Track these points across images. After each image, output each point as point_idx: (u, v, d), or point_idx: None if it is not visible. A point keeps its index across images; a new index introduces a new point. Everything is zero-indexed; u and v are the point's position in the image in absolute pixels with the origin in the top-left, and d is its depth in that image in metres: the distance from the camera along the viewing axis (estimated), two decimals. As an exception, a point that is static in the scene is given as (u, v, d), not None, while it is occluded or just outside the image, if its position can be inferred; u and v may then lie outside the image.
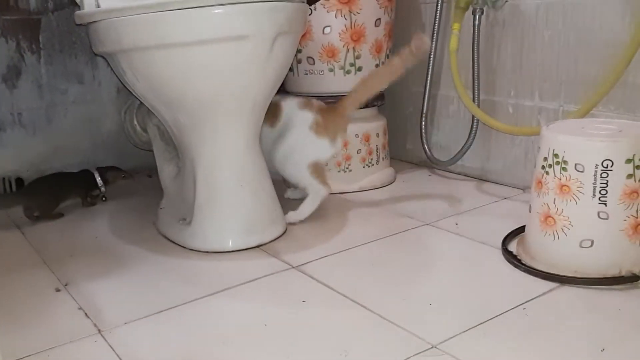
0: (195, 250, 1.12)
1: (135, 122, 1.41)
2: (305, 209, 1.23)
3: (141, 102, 1.26)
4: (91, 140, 1.59)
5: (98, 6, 1.12)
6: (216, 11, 0.97)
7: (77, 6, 1.18)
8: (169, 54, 1.00)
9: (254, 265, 1.06)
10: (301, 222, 1.23)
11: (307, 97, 1.26)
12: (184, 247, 1.14)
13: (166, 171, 1.30)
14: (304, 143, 1.21)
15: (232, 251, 1.11)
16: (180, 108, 1.07)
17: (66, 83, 1.53)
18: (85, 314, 0.91)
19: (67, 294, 0.97)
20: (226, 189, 1.12)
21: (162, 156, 1.31)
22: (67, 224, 1.31)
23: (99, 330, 0.85)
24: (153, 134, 1.33)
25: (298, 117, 1.21)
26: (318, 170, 1.22)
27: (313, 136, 1.20)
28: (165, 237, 1.20)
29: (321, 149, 1.21)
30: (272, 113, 1.21)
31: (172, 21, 0.98)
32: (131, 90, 1.16)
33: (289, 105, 1.23)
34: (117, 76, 1.20)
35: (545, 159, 0.96)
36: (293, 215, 1.23)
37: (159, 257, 1.11)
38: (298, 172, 1.22)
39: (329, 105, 1.23)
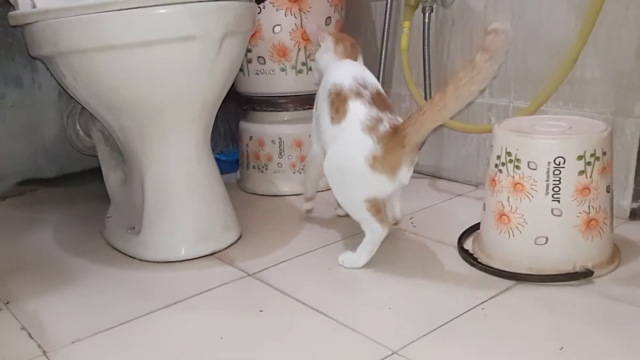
0: (146, 261, 1.08)
1: (78, 127, 1.35)
2: (363, 255, 1.01)
3: (83, 107, 1.21)
4: (32, 147, 1.51)
5: (34, 6, 1.06)
6: (161, 11, 0.93)
7: (12, 6, 1.12)
8: (111, 57, 0.95)
9: (209, 274, 1.02)
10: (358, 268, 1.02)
11: (379, 110, 0.95)
12: (134, 258, 1.09)
13: (112, 178, 1.25)
14: (357, 176, 0.95)
15: (185, 260, 1.07)
16: (125, 113, 1.03)
17: (3, 87, 1.45)
18: (29, 334, 0.85)
19: (9, 313, 0.92)
20: (176, 196, 1.08)
21: (108, 162, 1.26)
22: (7, 237, 1.24)
23: (44, 352, 0.81)
24: (97, 139, 1.28)
25: (357, 140, 0.94)
26: (376, 205, 0.97)
27: (368, 172, 0.93)
28: (114, 248, 1.15)
29: (378, 186, 0.95)
30: (336, 109, 0.98)
31: (114, 22, 0.93)
32: (72, 95, 1.10)
33: (354, 117, 0.95)
34: (56, 80, 1.14)
35: (499, 157, 0.97)
36: (348, 260, 1.02)
37: (108, 269, 1.06)
38: (351, 205, 1.00)
39: (394, 129, 0.94)
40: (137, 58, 0.95)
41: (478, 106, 1.37)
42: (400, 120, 0.95)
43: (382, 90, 0.99)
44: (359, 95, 0.95)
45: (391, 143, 0.92)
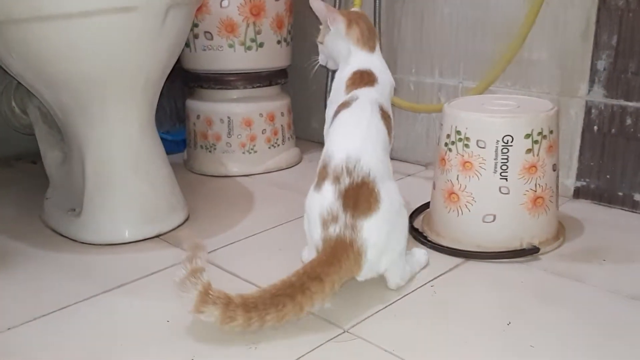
0: (88, 244, 1.04)
1: (14, 104, 1.28)
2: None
3: (19, 82, 1.14)
4: (-37, 125, 1.42)
5: (-40, -28, 0.99)
6: (100, -20, 0.89)
7: None
8: (47, 28, 0.90)
9: (154, 256, 0.99)
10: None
11: (343, 207, 0.81)
12: (75, 241, 1.05)
13: (50, 157, 1.19)
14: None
15: (129, 242, 1.04)
16: (63, 88, 0.97)
17: None
18: (-41, 322, 0.81)
19: (-63, 301, 0.86)
20: (119, 176, 1.04)
21: (46, 141, 1.20)
22: (-64, 220, 1.17)
23: (-24, 340, 0.76)
24: (34, 116, 1.21)
25: (314, 221, 0.83)
26: None
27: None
28: (53, 230, 1.09)
29: None
30: (318, 177, 0.86)
31: (50, -10, 0.87)
32: (6, 69, 1.04)
33: (320, 201, 0.83)
34: (-13, 52, 1.07)
35: (448, 136, 0.97)
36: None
37: (47, 252, 1.02)
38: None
39: (338, 245, 0.80)
40: (76, 29, 0.90)
41: (428, 86, 1.37)
42: (358, 232, 0.80)
43: (370, 179, 0.82)
44: (336, 180, 0.82)
45: (329, 256, 0.79)
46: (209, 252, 0.99)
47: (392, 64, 1.42)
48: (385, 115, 0.88)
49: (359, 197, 0.81)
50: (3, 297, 0.87)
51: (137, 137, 1.04)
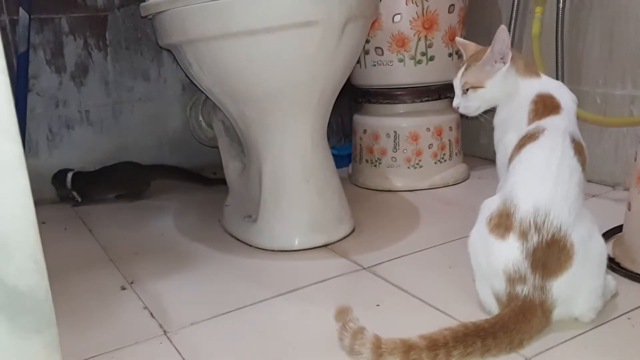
0: (261, 249, 1.08)
1: (201, 118, 1.39)
2: None
3: (206, 98, 1.23)
4: (157, 138, 1.58)
5: (162, -4, 1.10)
6: (283, -4, 0.93)
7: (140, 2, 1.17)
8: (235, 43, 0.96)
9: (323, 265, 1.00)
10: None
11: (531, 269, 0.72)
12: (250, 245, 1.10)
13: (231, 167, 1.27)
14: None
15: (299, 250, 1.06)
16: (247, 101, 1.03)
17: (132, 80, 1.53)
18: (151, 314, 0.88)
19: (133, 293, 0.95)
20: (292, 185, 1.07)
21: (228, 152, 1.28)
22: (132, 222, 1.30)
23: (165, 332, 0.82)
24: (218, 129, 1.30)
25: (495, 276, 0.76)
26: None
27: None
28: (231, 235, 1.16)
29: None
30: (498, 224, 0.76)
31: (238, 8, 0.93)
32: (197, 84, 1.13)
33: (504, 254, 0.74)
34: (182, 70, 1.17)
35: (649, 151, 0.86)
36: None
37: (225, 255, 1.08)
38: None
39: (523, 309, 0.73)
40: (260, 44, 0.95)
41: (618, 98, 1.24)
42: (548, 292, 0.73)
43: (561, 235, 0.72)
44: (523, 236, 0.73)
45: (518, 314, 0.72)
46: (374, 265, 0.99)
47: (575, 75, 1.31)
48: (578, 148, 0.77)
49: (548, 257, 0.72)
50: (186, 294, 0.94)
51: (310, 149, 1.06)
